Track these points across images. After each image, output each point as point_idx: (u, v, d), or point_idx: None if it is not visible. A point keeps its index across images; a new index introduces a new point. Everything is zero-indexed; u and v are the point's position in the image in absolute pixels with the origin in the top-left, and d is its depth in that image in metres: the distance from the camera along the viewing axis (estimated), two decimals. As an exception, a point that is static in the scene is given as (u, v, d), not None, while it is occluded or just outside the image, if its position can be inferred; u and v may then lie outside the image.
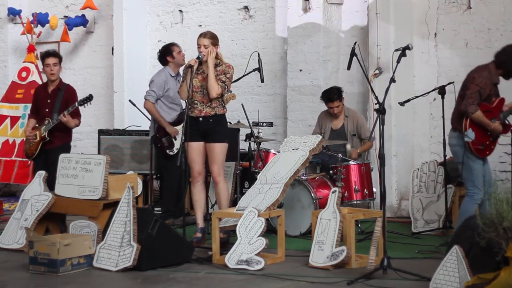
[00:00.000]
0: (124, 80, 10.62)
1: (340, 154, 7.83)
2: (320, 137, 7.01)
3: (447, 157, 7.41)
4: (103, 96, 11.03)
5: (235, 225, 6.36)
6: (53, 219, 7.33)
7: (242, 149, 8.85)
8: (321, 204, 7.34)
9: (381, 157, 5.86)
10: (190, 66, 6.96)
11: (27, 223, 7.00)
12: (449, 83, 7.46)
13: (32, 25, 10.96)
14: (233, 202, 7.83)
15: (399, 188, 8.93)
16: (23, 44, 11.23)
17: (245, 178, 8.65)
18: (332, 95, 8.25)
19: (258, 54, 8.35)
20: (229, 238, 6.89)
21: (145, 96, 8.43)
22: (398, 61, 6.12)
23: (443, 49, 8.94)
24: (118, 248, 6.16)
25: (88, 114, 10.48)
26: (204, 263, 6.34)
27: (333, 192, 6.37)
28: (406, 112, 8.67)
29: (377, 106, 5.99)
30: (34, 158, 8.19)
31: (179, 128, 8.22)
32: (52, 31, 11.25)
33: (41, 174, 7.34)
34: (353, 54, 6.98)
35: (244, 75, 8.65)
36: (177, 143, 8.30)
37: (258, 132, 8.34)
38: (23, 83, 10.64)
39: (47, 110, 8.10)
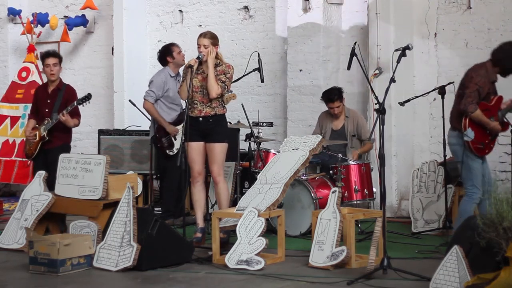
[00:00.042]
0: (124, 80, 10.62)
1: (340, 154, 7.83)
2: (320, 137, 7.01)
3: (447, 157, 7.41)
4: (103, 96, 11.03)
5: (235, 225, 6.36)
6: (53, 219, 7.33)
7: (242, 149, 8.85)
8: (321, 204, 7.34)
9: (381, 157, 5.86)
10: (190, 66, 6.96)
11: (27, 223, 7.00)
12: (449, 83, 7.46)
13: (32, 25, 10.96)
14: (233, 202, 7.83)
15: (399, 188, 8.93)
16: (23, 44, 11.23)
17: (245, 178, 8.65)
18: (332, 95, 8.25)
19: (258, 54, 8.35)
20: (229, 238, 6.89)
21: (144, 97, 8.44)
22: (398, 61, 6.12)
23: (443, 49, 8.94)
24: (118, 248, 6.16)
25: (88, 114, 10.50)
26: (204, 263, 6.34)
27: (333, 192, 6.37)
28: (406, 112, 8.67)
29: (377, 106, 5.99)
30: (34, 158, 8.19)
31: (179, 128, 8.23)
32: (52, 31, 11.25)
33: (41, 174, 7.34)
34: (353, 54, 6.98)
35: (244, 75, 8.65)
36: (177, 143, 8.30)
37: (258, 132, 8.34)
38: (23, 83, 10.64)
39: (47, 110, 8.11)
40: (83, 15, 11.02)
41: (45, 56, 8.24)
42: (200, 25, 10.40)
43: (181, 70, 8.29)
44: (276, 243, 6.48)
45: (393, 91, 7.67)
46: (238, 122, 8.67)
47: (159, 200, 9.22)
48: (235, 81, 8.07)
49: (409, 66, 8.64)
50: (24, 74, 10.71)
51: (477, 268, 4.96)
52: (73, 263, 6.08)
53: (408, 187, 8.55)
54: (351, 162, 7.82)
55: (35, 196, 7.16)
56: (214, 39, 7.08)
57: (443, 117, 7.29)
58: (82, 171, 7.03)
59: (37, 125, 8.16)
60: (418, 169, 8.08)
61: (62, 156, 7.28)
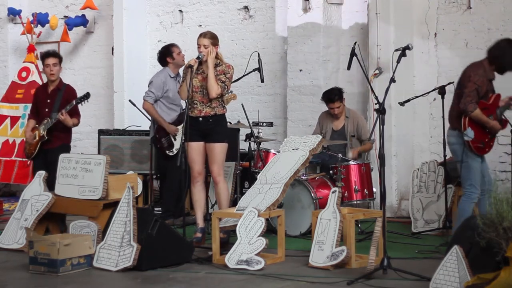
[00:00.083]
0: (124, 80, 10.62)
1: (340, 154, 7.83)
2: (320, 137, 7.01)
3: (447, 157, 7.41)
4: (103, 96, 11.04)
5: (235, 225, 6.36)
6: (53, 219, 7.33)
7: (242, 149, 8.85)
8: (321, 204, 7.34)
9: (381, 157, 5.86)
10: (190, 66, 6.96)
11: (27, 223, 7.00)
12: (449, 83, 7.46)
13: (32, 25, 10.97)
14: (233, 202, 7.83)
15: (399, 188, 8.93)
16: (23, 44, 11.23)
17: (245, 178, 8.65)
18: (332, 95, 8.24)
19: (258, 54, 8.35)
20: (229, 238, 6.89)
21: (143, 97, 8.44)
22: (398, 61, 6.12)
23: (443, 49, 8.93)
24: (118, 248, 6.16)
25: (88, 114, 10.51)
26: (204, 263, 6.34)
27: (333, 192, 6.37)
28: (406, 112, 8.67)
29: (377, 106, 5.99)
30: (33, 157, 8.19)
31: (179, 128, 8.23)
32: (52, 31, 11.25)
33: (41, 174, 7.34)
34: (353, 54, 6.98)
35: (244, 75, 8.64)
36: (176, 144, 8.30)
37: (258, 132, 8.34)
38: (23, 83, 10.65)
39: (46, 110, 8.11)
40: (83, 15, 11.02)
41: (45, 56, 8.25)
42: (200, 25, 10.40)
43: (181, 70, 8.30)
44: (276, 243, 6.48)
45: (393, 91, 7.67)
46: (238, 122, 8.67)
47: (159, 200, 9.22)
48: (235, 81, 8.07)
49: (409, 66, 8.64)
50: (24, 74, 10.71)
51: (477, 268, 4.95)
52: (73, 263, 6.08)
53: (408, 187, 8.55)
54: (351, 162, 7.82)
55: (35, 196, 7.16)
56: (214, 39, 7.08)
57: (443, 117, 7.29)
58: (82, 171, 7.03)
59: (37, 125, 8.16)
60: (418, 169, 8.09)
61: (62, 156, 7.28)
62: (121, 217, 6.26)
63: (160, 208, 8.63)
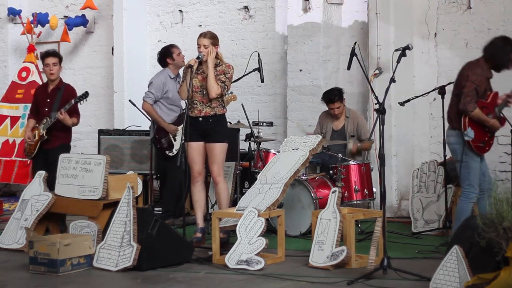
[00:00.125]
0: (124, 80, 10.62)
1: (340, 154, 7.83)
2: (320, 137, 7.01)
3: (447, 157, 7.41)
4: (103, 96, 11.04)
5: (235, 225, 6.35)
6: (53, 219, 7.33)
7: (242, 149, 8.85)
8: (321, 204, 7.34)
9: (381, 157, 5.86)
10: (190, 66, 6.96)
11: (27, 223, 7.00)
12: (449, 83, 7.44)
13: (32, 25, 10.97)
14: (233, 202, 7.83)
15: (399, 188, 8.93)
16: (23, 44, 11.23)
17: (245, 178, 8.65)
18: (333, 96, 8.24)
19: (258, 54, 8.35)
20: (229, 238, 6.89)
21: (143, 98, 8.44)
22: (398, 61, 6.12)
23: (443, 49, 8.93)
24: (118, 248, 6.16)
25: (88, 114, 10.51)
26: (204, 263, 6.34)
27: (333, 192, 6.37)
28: (406, 112, 8.67)
29: (377, 106, 5.99)
30: (33, 157, 8.19)
31: (179, 127, 8.23)
32: (52, 31, 11.26)
33: (41, 174, 7.34)
34: (353, 54, 6.98)
35: (244, 75, 8.64)
36: (176, 144, 8.30)
37: (258, 132, 8.34)
38: (23, 83, 10.65)
39: (46, 109, 8.11)
40: (83, 15, 11.02)
41: (45, 55, 8.25)
42: (200, 25, 10.40)
43: (181, 71, 8.31)
44: (276, 243, 6.47)
45: (393, 91, 7.67)
46: (238, 122, 8.67)
47: (159, 200, 9.22)
48: (235, 81, 8.07)
49: (409, 66, 8.64)
50: (24, 74, 10.72)
51: (477, 268, 4.95)
52: (73, 263, 6.08)
53: (408, 187, 8.55)
54: (351, 162, 7.82)
55: (35, 196, 7.16)
56: (214, 39, 7.08)
57: (443, 117, 7.28)
58: (82, 171, 7.03)
59: (36, 125, 8.17)
60: (418, 169, 8.08)
61: (62, 156, 7.28)
62: (121, 217, 6.26)
63: (160, 208, 8.63)
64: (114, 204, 6.54)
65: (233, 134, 8.31)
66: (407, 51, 6.18)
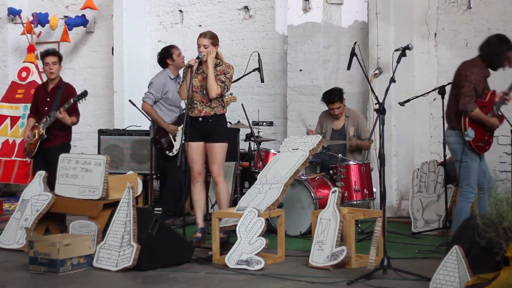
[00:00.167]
0: (124, 80, 10.62)
1: (340, 154, 7.83)
2: (320, 137, 7.01)
3: (447, 157, 7.41)
4: (103, 96, 11.04)
5: (235, 225, 6.35)
6: (53, 219, 7.32)
7: (242, 149, 8.85)
8: (321, 204, 7.34)
9: (381, 157, 5.86)
10: (190, 66, 6.96)
11: (27, 223, 7.00)
12: (449, 83, 7.43)
13: (32, 25, 10.97)
14: (233, 202, 7.83)
15: (399, 188, 8.93)
16: (23, 44, 11.23)
17: (245, 178, 8.65)
18: (333, 96, 8.24)
19: (258, 54, 8.35)
20: (229, 238, 6.89)
21: (143, 98, 8.45)
22: (398, 61, 6.12)
23: (443, 49, 8.93)
24: (118, 248, 6.16)
25: (88, 114, 10.52)
26: (204, 263, 6.34)
27: (333, 192, 6.37)
28: (406, 112, 8.67)
29: (377, 106, 5.99)
30: (33, 156, 8.19)
31: (179, 128, 8.24)
32: (52, 31, 11.26)
33: (41, 174, 7.34)
34: (353, 54, 6.98)
35: (244, 75, 8.65)
36: (176, 144, 8.30)
37: (258, 132, 8.34)
38: (23, 83, 10.65)
39: (46, 108, 8.12)
40: (83, 15, 11.02)
41: (44, 54, 8.26)
42: (200, 25, 10.40)
43: (181, 72, 8.31)
44: (276, 243, 6.47)
45: (393, 91, 7.67)
46: (238, 122, 8.66)
47: (159, 200, 9.22)
48: (235, 81, 8.08)
49: (409, 66, 8.64)
50: (24, 74, 10.72)
51: (477, 268, 4.95)
52: (73, 263, 6.07)
53: (408, 187, 8.55)
54: (351, 162, 7.82)
55: (35, 196, 7.16)
56: (214, 39, 7.08)
57: (443, 117, 7.28)
58: (82, 171, 7.03)
59: (36, 124, 8.17)
60: (418, 169, 8.08)
61: (62, 156, 7.28)
62: (121, 217, 6.26)
63: (160, 208, 8.63)
64: (114, 204, 6.54)
65: (233, 134, 8.31)
66: (407, 51, 6.18)
